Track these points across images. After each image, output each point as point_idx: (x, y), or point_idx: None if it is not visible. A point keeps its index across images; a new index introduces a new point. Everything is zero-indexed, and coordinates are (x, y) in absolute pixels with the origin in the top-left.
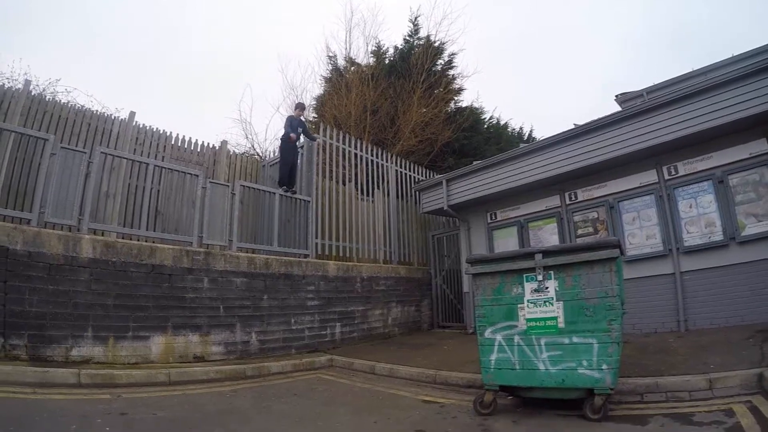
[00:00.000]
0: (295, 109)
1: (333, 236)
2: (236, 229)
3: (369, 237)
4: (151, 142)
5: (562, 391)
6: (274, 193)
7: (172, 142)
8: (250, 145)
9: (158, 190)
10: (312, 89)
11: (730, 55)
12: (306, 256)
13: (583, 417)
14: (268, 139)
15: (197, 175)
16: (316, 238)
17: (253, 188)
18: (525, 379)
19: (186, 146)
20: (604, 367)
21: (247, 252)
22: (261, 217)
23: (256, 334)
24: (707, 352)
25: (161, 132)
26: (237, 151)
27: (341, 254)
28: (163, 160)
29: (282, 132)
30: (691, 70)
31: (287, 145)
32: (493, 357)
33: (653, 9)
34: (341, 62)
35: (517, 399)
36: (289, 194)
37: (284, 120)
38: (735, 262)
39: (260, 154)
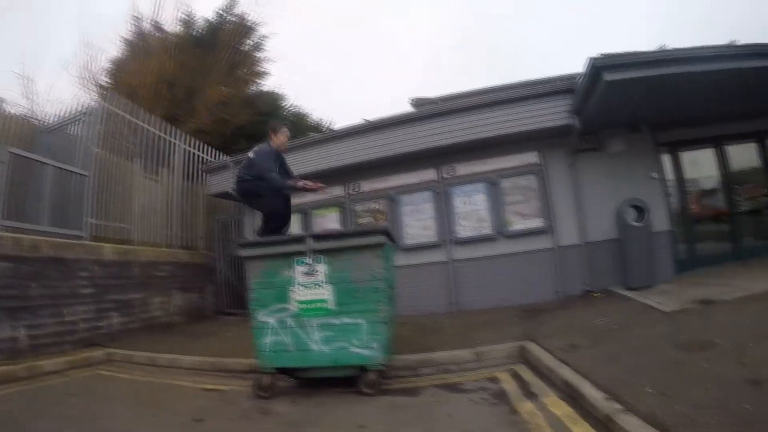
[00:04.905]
0: (277, 132)
1: (111, 216)
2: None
3: (151, 219)
4: None
5: (337, 369)
6: (47, 164)
7: None
8: (30, 107)
9: None
10: (111, 50)
11: (523, 80)
12: (80, 237)
13: (359, 393)
14: (51, 101)
15: None
16: (92, 218)
17: (24, 156)
18: (300, 360)
19: None
20: (374, 345)
21: (11, 231)
22: (29, 190)
23: (26, 328)
24: (477, 329)
25: None
26: (13, 111)
27: (120, 237)
28: None
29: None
30: (483, 87)
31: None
32: (268, 340)
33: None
34: (147, 26)
35: (296, 380)
36: (67, 168)
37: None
38: (503, 253)
39: (40, 119)
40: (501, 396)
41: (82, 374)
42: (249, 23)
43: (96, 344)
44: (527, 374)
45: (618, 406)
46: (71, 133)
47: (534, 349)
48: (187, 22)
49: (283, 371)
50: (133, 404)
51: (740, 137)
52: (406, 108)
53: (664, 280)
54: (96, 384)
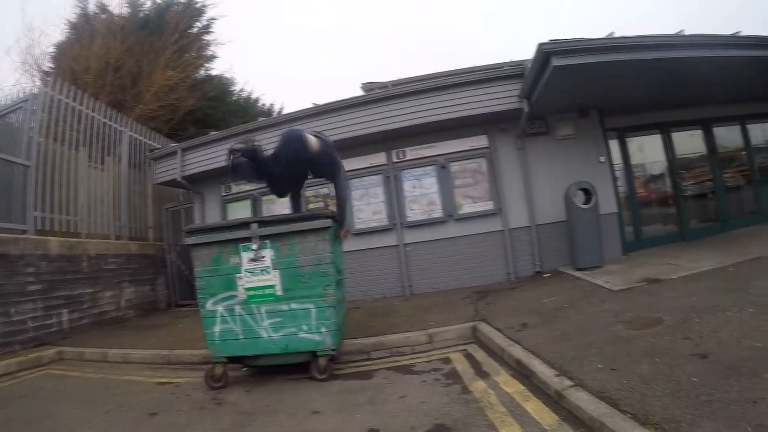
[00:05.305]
0: None
1: (57, 208)
2: None
3: (98, 210)
4: None
5: (288, 356)
6: None
7: None
8: None
9: None
10: (55, 35)
11: (473, 65)
12: (24, 231)
13: (312, 378)
14: None
15: None
16: (37, 210)
17: None
18: (250, 348)
19: None
20: (323, 330)
21: None
22: None
23: None
24: (429, 312)
25: None
26: None
27: (66, 229)
28: None
29: None
30: (434, 72)
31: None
32: (217, 329)
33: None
34: (92, 7)
35: (250, 369)
36: (9, 159)
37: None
38: (453, 236)
39: None
40: (453, 376)
41: (33, 375)
42: (198, 4)
43: (46, 343)
44: (479, 354)
45: (568, 382)
46: (13, 121)
47: (486, 329)
48: (134, 3)
49: (235, 360)
50: (85, 402)
51: (686, 124)
52: (358, 93)
53: (613, 261)
54: (47, 384)
